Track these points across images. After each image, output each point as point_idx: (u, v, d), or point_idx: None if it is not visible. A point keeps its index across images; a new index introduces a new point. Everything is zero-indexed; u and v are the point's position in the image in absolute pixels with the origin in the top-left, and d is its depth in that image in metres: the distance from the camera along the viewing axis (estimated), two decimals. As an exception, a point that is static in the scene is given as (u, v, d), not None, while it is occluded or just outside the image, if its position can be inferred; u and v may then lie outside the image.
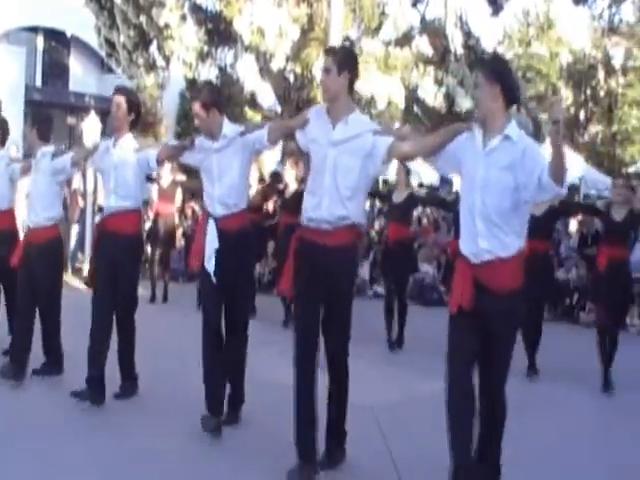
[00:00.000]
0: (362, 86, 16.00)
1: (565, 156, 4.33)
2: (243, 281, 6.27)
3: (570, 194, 23.60)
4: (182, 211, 15.55)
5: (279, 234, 11.71)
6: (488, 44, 23.03)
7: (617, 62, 33.40)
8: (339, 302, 5.29)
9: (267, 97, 18.55)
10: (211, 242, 6.00)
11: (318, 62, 15.41)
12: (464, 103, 16.46)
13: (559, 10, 34.48)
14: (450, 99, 16.56)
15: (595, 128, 33.94)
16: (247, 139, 5.96)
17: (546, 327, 9.79)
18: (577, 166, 23.28)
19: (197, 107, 6.03)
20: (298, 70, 17.01)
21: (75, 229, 16.29)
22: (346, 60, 5.22)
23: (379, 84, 16.07)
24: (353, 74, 5.22)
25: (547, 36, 35.16)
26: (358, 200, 5.25)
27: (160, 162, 6.75)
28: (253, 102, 18.90)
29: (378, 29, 18.02)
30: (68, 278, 15.01)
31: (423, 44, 17.35)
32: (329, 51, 5.32)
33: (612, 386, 8.61)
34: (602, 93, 33.54)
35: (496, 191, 4.53)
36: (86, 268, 13.89)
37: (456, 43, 17.82)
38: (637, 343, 12.08)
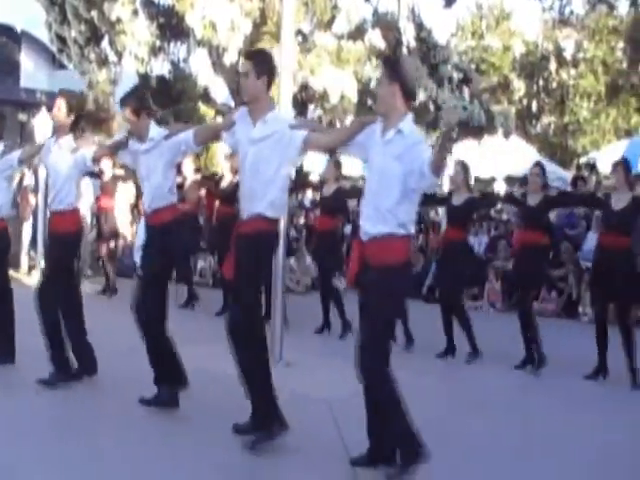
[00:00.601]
0: (315, 80, 16.02)
1: (447, 153, 4.83)
2: (165, 272, 6.58)
3: (522, 185, 23.85)
4: (136, 206, 15.49)
5: (214, 224, 11.90)
6: (441, 36, 23.17)
7: (568, 54, 33.80)
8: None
9: (220, 91, 18.48)
10: (140, 236, 6.38)
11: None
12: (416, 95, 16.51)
13: (511, 3, 34.78)
14: (402, 92, 16.61)
15: (547, 119, 34.27)
16: (174, 141, 6.27)
17: (502, 317, 9.95)
18: (530, 157, 23.51)
19: (128, 113, 6.44)
20: (251, 64, 16.95)
21: (27, 227, 16.14)
22: (263, 64, 5.58)
23: (332, 78, 16.09)
24: (270, 77, 5.62)
25: (500, 28, 35.42)
26: (274, 193, 5.60)
27: (96, 161, 7.18)
28: (206, 97, 18.82)
29: (331, 23, 18.00)
30: (21, 276, 14.90)
31: (376, 37, 17.36)
32: (247, 56, 5.73)
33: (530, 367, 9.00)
34: (554, 85, 33.88)
35: (389, 178, 5.00)
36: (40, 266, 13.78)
37: (408, 36, 17.88)
38: (588, 332, 12.22)
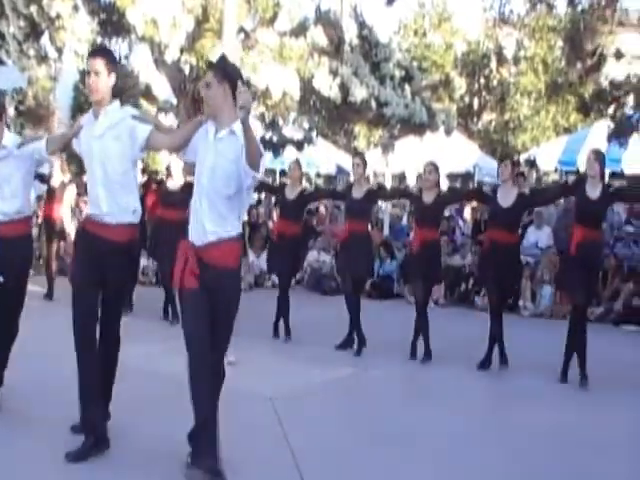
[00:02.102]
0: (257, 77, 15.99)
1: (255, 141, 4.83)
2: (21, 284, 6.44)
3: (465, 181, 24.12)
4: (77, 205, 15.35)
5: (153, 229, 11.41)
6: (383, 34, 23.27)
7: (509, 52, 34.20)
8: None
9: (163, 89, 18.36)
10: None
11: (213, 53, 15.32)
12: (359, 93, 16.57)
13: (453, 1, 35.08)
14: (345, 89, 16.64)
15: (488, 116, 34.63)
16: (26, 150, 6.12)
17: (442, 312, 10.04)
18: (471, 154, 23.80)
19: None
20: (193, 61, 16.85)
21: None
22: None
23: (274, 75, 16.06)
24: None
25: (442, 27, 35.69)
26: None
27: None
28: (148, 94, 18.67)
29: (273, 20, 17.99)
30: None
31: (318, 35, 17.38)
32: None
33: (501, 364, 9.01)
34: (495, 82, 34.24)
35: (222, 177, 5.03)
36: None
37: (351, 33, 17.93)
38: (529, 326, 12.43)
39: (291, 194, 10.44)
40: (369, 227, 10.44)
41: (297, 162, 10.85)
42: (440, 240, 10.28)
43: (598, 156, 8.45)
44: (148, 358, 8.16)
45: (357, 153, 9.90)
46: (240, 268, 5.25)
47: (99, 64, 5.46)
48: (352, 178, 10.65)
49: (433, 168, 9.47)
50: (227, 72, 5.12)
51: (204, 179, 5.09)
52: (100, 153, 5.51)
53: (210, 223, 5.06)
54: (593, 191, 8.32)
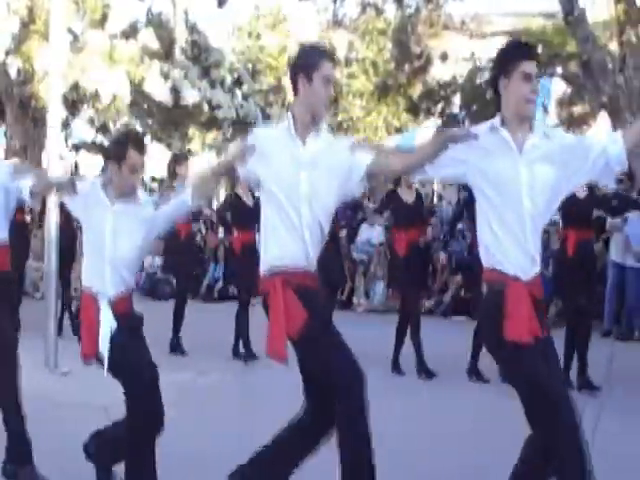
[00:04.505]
0: (86, 80, 15.78)
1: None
2: None
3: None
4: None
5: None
6: (217, 37, 23.27)
7: (341, 54, 34.80)
8: None
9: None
10: None
11: (40, 56, 15.01)
12: (190, 96, 16.60)
13: (288, 4, 35.38)
14: (176, 92, 16.65)
15: (322, 117, 35.15)
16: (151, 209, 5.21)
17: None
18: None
19: None
20: (20, 64, 16.47)
21: None
22: None
23: (104, 78, 15.89)
24: None
25: (277, 29, 35.96)
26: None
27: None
28: (-27, 97, 18.12)
29: (103, 22, 17.76)
30: None
31: (149, 37, 17.29)
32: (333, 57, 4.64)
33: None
34: (328, 84, 34.76)
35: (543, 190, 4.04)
36: None
37: (182, 36, 17.94)
38: (364, 322, 12.67)
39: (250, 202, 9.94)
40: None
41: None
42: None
43: None
44: None
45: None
46: None
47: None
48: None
49: None
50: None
51: (524, 199, 4.05)
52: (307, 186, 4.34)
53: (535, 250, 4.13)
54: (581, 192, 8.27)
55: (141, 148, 4.83)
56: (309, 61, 4.30)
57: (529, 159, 3.96)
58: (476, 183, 4.06)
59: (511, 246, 3.93)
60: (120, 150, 4.77)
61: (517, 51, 4.07)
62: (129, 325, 4.85)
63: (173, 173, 9.97)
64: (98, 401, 7.17)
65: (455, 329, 12.25)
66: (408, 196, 9.01)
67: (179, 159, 10.36)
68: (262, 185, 4.33)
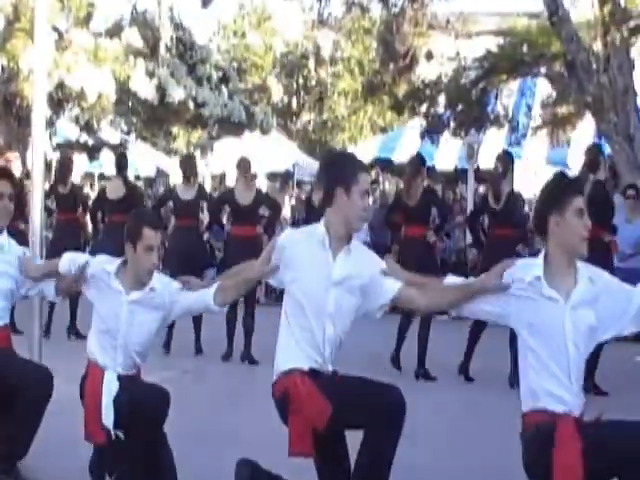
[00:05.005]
0: (71, 79, 15.72)
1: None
2: None
3: (284, 180, 24.47)
4: None
5: None
6: (203, 35, 23.25)
7: (326, 53, 34.82)
8: None
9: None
10: None
11: (24, 54, 14.97)
12: (176, 94, 16.58)
13: (273, 3, 35.35)
14: (162, 90, 16.62)
15: (307, 116, 35.19)
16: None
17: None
18: (290, 153, 24.17)
19: None
20: (4, 62, 16.40)
21: None
22: None
23: (89, 77, 15.84)
24: None
25: (262, 28, 35.94)
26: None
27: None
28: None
29: (88, 20, 17.73)
30: None
31: (134, 36, 17.25)
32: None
33: None
34: (313, 83, 34.82)
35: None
36: None
37: (167, 35, 17.92)
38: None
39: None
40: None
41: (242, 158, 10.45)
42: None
43: None
44: None
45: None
46: None
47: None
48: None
49: None
50: None
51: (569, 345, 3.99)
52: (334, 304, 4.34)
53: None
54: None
55: (156, 227, 4.77)
56: (348, 174, 4.25)
57: (574, 306, 3.87)
58: (518, 328, 3.97)
59: (555, 387, 3.83)
60: (135, 230, 4.70)
61: (569, 187, 4.00)
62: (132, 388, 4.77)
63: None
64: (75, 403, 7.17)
65: (439, 329, 12.28)
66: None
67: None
68: (286, 287, 4.29)
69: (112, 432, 4.65)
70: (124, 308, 4.73)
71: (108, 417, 4.63)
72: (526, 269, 3.94)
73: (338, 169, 4.34)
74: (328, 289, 4.20)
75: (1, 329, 5.28)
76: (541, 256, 3.96)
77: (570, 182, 4.10)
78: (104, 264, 4.85)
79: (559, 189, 4.00)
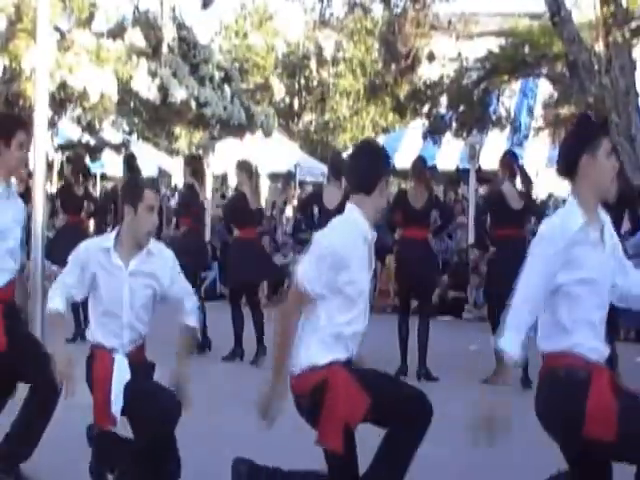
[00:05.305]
0: (74, 79, 15.71)
1: None
2: None
3: (286, 181, 24.50)
4: None
5: None
6: (204, 35, 23.25)
7: (328, 53, 34.83)
8: None
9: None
10: None
11: (27, 54, 14.98)
12: (178, 94, 16.59)
13: (275, 3, 35.37)
14: (164, 90, 16.63)
15: (309, 117, 35.19)
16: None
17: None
18: (292, 153, 24.19)
19: None
20: (7, 62, 16.41)
21: None
22: None
23: (91, 77, 15.83)
24: None
25: (263, 28, 35.94)
26: None
27: None
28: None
29: (90, 20, 17.74)
30: None
31: (136, 36, 17.26)
32: None
33: None
34: (315, 83, 34.82)
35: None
36: None
37: (169, 34, 17.91)
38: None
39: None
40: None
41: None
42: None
43: None
44: None
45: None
46: None
47: None
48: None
49: None
50: None
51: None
52: None
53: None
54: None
55: (155, 189, 4.91)
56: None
57: (610, 249, 3.88)
58: (562, 283, 3.77)
59: (589, 332, 3.77)
60: (136, 191, 4.76)
61: (600, 128, 4.07)
62: (142, 373, 4.84)
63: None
64: (81, 400, 7.18)
65: (441, 329, 12.29)
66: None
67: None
68: (331, 287, 4.24)
69: (118, 417, 4.68)
70: (125, 286, 4.76)
71: (117, 403, 4.66)
72: (565, 221, 3.81)
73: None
74: (368, 276, 4.42)
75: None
76: (572, 202, 3.85)
77: (600, 124, 4.18)
78: (99, 243, 4.92)
79: (590, 130, 3.98)
